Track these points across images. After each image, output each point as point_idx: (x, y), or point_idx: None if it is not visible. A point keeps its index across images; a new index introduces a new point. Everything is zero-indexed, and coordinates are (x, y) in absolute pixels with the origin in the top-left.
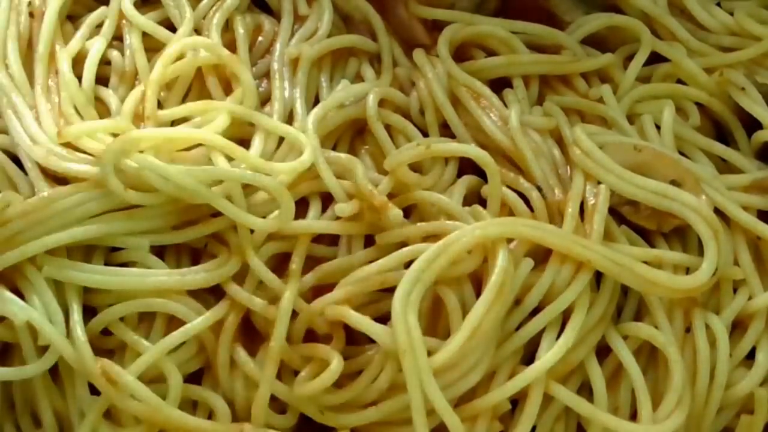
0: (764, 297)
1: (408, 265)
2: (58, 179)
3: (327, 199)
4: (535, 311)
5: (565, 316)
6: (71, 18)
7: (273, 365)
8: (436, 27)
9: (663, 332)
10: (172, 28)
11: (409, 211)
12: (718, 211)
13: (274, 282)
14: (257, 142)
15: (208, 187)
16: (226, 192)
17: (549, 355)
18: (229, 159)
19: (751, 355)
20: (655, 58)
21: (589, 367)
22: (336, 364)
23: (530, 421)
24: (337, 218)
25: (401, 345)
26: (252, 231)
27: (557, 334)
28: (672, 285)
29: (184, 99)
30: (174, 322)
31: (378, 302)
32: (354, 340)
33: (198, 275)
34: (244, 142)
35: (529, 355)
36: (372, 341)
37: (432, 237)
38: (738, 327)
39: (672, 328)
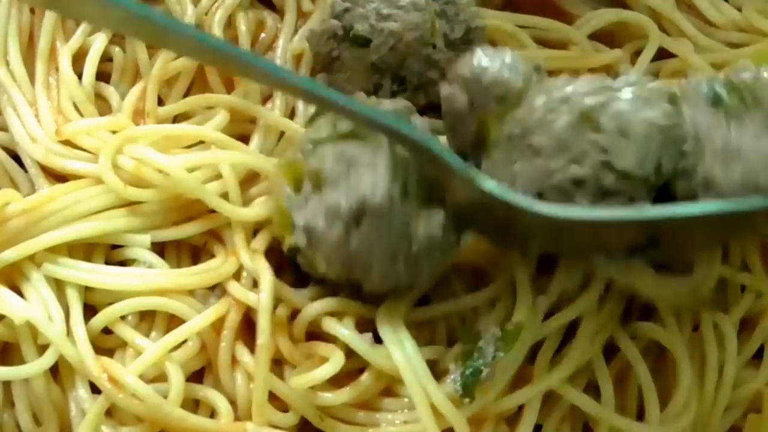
0: None
1: None
2: (57, 177)
3: None
4: None
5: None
6: None
7: (264, 361)
8: None
9: (670, 331)
10: None
11: None
12: None
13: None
14: (257, 138)
15: (198, 180)
16: (224, 188)
17: (565, 366)
18: None
19: (759, 354)
20: (662, 54)
21: (596, 367)
22: (337, 359)
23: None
24: None
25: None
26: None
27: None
28: None
29: (186, 96)
30: (175, 321)
31: None
32: None
33: (198, 275)
34: (245, 139)
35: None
36: (376, 340)
37: None
38: (746, 325)
39: (680, 327)
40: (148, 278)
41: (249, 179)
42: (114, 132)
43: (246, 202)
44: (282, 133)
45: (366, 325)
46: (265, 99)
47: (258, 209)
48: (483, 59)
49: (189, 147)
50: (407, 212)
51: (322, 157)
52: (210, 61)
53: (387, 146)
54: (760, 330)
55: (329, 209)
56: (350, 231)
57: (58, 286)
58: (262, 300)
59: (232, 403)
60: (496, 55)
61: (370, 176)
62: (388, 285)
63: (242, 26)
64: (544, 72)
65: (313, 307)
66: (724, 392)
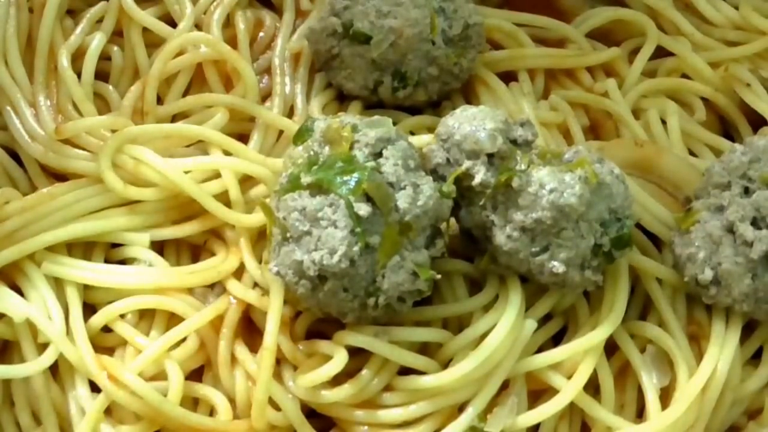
0: None
1: None
2: (57, 176)
3: None
4: None
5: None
6: (71, 13)
7: (268, 365)
8: None
9: (670, 331)
10: (173, 24)
11: None
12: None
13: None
14: (256, 137)
15: (195, 182)
16: (223, 187)
17: (577, 381)
18: (228, 155)
19: (758, 354)
20: (659, 53)
21: (597, 365)
22: (340, 356)
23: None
24: None
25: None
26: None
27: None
28: None
29: (185, 95)
30: (174, 319)
31: None
32: None
33: (197, 273)
34: (244, 138)
35: None
36: None
37: None
38: (746, 326)
39: (679, 326)
40: (148, 276)
41: (249, 178)
42: (113, 131)
43: (247, 202)
44: (281, 132)
45: None
46: (264, 98)
47: (260, 215)
48: (455, 116)
49: (188, 145)
50: (371, 265)
51: (286, 210)
52: None
53: (344, 204)
54: (760, 330)
55: (295, 266)
56: (316, 287)
57: (58, 284)
58: (272, 304)
59: (231, 401)
60: (468, 113)
61: (331, 237)
62: (366, 323)
63: (241, 25)
64: (531, 125)
65: None
66: (725, 392)
